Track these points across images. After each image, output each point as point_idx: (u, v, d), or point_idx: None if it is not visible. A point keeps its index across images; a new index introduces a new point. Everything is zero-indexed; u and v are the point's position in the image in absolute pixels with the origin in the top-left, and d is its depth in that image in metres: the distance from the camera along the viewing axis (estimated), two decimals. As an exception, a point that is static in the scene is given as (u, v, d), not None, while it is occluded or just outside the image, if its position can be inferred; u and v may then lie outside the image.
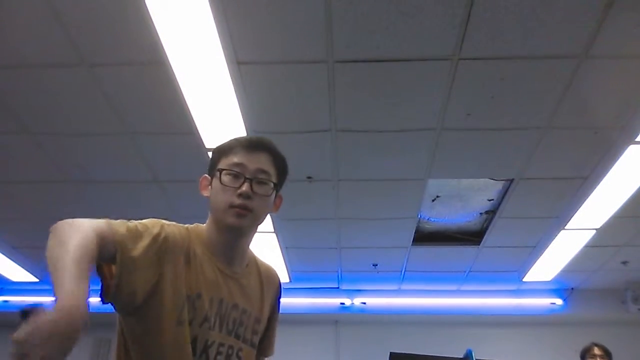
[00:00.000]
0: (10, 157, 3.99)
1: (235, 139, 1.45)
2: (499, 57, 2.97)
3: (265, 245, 5.25)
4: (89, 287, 1.05)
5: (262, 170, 1.40)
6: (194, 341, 1.29)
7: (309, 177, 4.16)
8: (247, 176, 1.37)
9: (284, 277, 6.04)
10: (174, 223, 1.39)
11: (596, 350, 3.92)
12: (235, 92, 3.18)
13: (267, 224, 4.78)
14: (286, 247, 5.42)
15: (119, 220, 1.28)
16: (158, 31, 2.74)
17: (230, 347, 1.36)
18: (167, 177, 4.20)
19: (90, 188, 4.38)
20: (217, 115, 3.40)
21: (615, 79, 3.13)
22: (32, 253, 5.77)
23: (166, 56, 2.91)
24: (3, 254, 5.60)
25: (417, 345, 4.94)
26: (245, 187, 1.35)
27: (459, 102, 3.30)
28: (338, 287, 6.54)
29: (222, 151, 1.44)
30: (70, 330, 1.01)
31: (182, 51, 2.88)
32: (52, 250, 1.13)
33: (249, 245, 1.47)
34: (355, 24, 2.77)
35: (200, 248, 1.38)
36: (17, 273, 6.10)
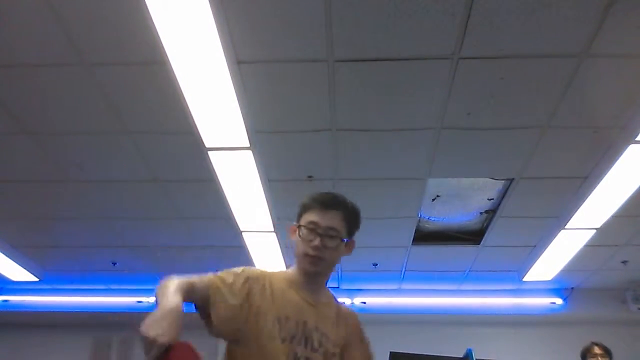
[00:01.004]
0: (9, 156, 3.99)
1: (314, 199, 1.79)
2: (499, 56, 2.97)
3: (265, 245, 5.25)
4: (182, 303, 1.42)
5: (332, 228, 1.73)
6: (293, 355, 1.61)
7: (309, 176, 4.16)
8: (319, 232, 1.71)
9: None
10: (250, 268, 1.73)
11: (596, 350, 3.92)
12: (235, 91, 3.18)
13: (267, 223, 4.79)
14: (286, 247, 5.41)
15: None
16: (158, 30, 2.74)
17: None
18: (167, 176, 4.20)
19: (89, 188, 4.38)
20: (217, 114, 3.39)
21: (615, 78, 3.13)
22: (32, 252, 5.78)
23: (166, 55, 2.91)
24: (3, 253, 5.60)
25: (417, 344, 4.94)
26: (316, 242, 1.70)
27: (459, 101, 3.30)
28: (338, 287, 6.53)
29: (305, 207, 1.79)
30: (165, 316, 1.38)
31: (182, 50, 2.88)
32: (156, 294, 1.48)
33: (326, 281, 1.83)
34: (355, 23, 2.78)
35: (286, 283, 1.74)
36: (17, 273, 6.10)
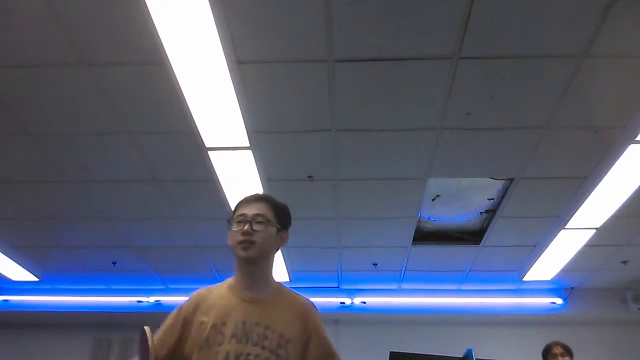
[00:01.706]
0: (10, 156, 3.99)
1: (243, 197, 1.91)
2: (499, 56, 2.97)
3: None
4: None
5: (259, 214, 1.82)
6: (227, 355, 1.68)
7: (310, 177, 4.16)
8: (247, 220, 1.80)
9: (284, 276, 6.04)
10: (197, 292, 1.88)
11: (557, 349, 3.89)
12: (236, 91, 3.18)
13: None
14: (286, 246, 5.41)
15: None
16: (158, 30, 2.74)
17: (257, 355, 1.70)
18: (167, 176, 4.20)
19: (90, 188, 4.39)
20: (217, 114, 3.39)
21: (615, 78, 3.13)
22: (32, 252, 5.78)
23: (166, 56, 2.91)
24: (3, 253, 5.60)
25: (417, 344, 4.93)
26: (245, 227, 1.78)
27: (459, 101, 3.30)
28: (338, 287, 6.54)
29: (234, 209, 1.89)
30: None
31: (182, 50, 2.88)
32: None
33: (266, 273, 1.86)
34: (355, 23, 2.78)
35: (227, 289, 1.83)
36: (18, 272, 6.10)
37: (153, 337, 1.72)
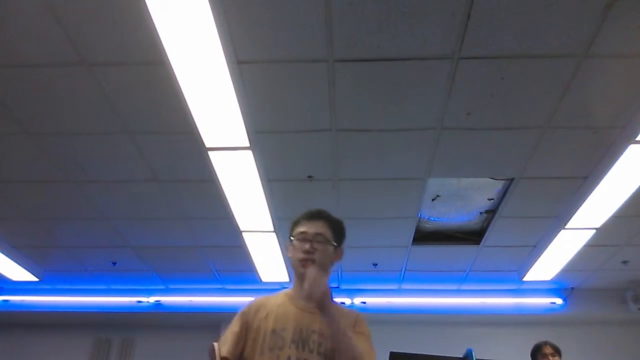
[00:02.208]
0: (10, 156, 3.99)
1: (302, 214, 2.04)
2: (498, 56, 2.97)
3: (265, 245, 5.25)
4: None
5: (319, 234, 1.96)
6: (288, 358, 1.80)
7: (310, 176, 4.16)
8: (308, 238, 1.95)
9: (283, 276, 6.04)
10: (256, 299, 2.01)
11: (547, 349, 3.90)
12: (236, 91, 3.18)
13: (267, 223, 4.79)
14: (286, 247, 5.41)
15: None
16: (158, 30, 2.74)
17: None
18: (167, 176, 4.20)
19: (90, 188, 4.39)
20: (218, 114, 3.39)
21: (615, 78, 3.13)
22: (32, 252, 5.78)
23: (166, 56, 2.91)
24: (3, 253, 5.60)
25: (417, 344, 4.94)
26: (307, 246, 1.93)
27: (459, 101, 3.30)
28: (338, 287, 6.54)
29: (294, 224, 2.04)
30: None
31: (182, 50, 2.88)
32: None
33: None
34: (355, 23, 2.78)
35: (285, 299, 1.96)
36: (18, 273, 6.10)
37: (220, 347, 1.86)
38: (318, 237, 1.96)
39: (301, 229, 1.99)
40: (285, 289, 2.05)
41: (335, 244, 1.99)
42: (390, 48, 2.93)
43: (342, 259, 2.07)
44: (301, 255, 1.93)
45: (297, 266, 1.94)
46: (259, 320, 1.91)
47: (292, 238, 2.01)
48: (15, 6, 2.71)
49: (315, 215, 2.03)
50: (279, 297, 1.99)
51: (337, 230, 2.03)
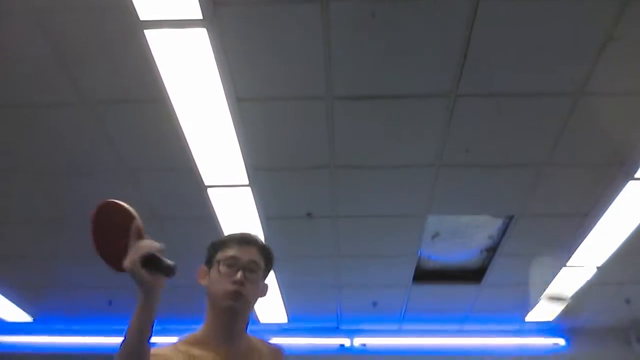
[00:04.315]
0: (7, 195, 3.97)
1: (229, 235, 1.70)
2: (495, 94, 3.00)
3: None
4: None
5: (254, 261, 1.64)
6: None
7: (309, 214, 4.14)
8: (241, 265, 1.60)
9: (281, 316, 5.95)
10: (161, 349, 1.53)
11: None
12: (235, 128, 3.20)
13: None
14: (284, 286, 5.34)
15: None
16: (159, 68, 2.77)
17: None
18: (165, 213, 4.18)
19: (86, 226, 4.34)
20: (217, 151, 3.40)
21: (612, 115, 3.15)
22: (26, 292, 5.70)
23: (167, 93, 2.93)
24: (-2, 292, 5.54)
25: (419, 386, 4.83)
26: (239, 276, 1.58)
27: (457, 138, 3.31)
28: (337, 327, 6.43)
29: (219, 245, 1.67)
30: None
31: (182, 88, 2.90)
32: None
33: (245, 325, 1.67)
34: (353, 61, 2.81)
35: (196, 345, 1.57)
36: (11, 312, 6.01)
37: None
38: (252, 265, 1.63)
39: (230, 252, 1.62)
40: (188, 334, 1.63)
41: (265, 274, 1.70)
42: (389, 86, 2.96)
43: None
44: (229, 287, 1.56)
45: (223, 298, 1.57)
46: None
47: (215, 262, 1.63)
48: (16, 46, 2.74)
49: (250, 240, 1.67)
50: (188, 346, 1.57)
51: (269, 259, 1.71)
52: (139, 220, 1.35)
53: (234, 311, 1.59)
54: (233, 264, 1.61)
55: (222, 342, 1.59)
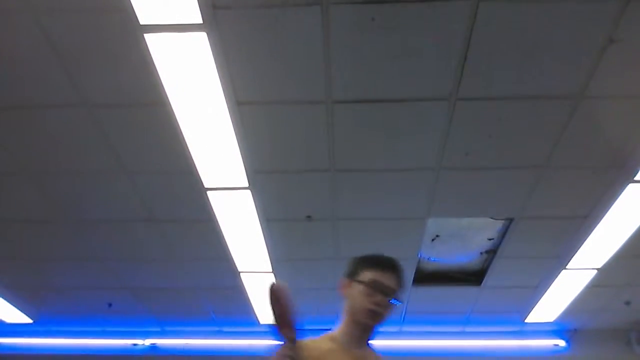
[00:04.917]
0: (6, 196, 3.97)
1: (375, 257, 1.93)
2: (495, 97, 3.00)
3: (262, 286, 5.18)
4: None
5: (393, 290, 1.86)
6: None
7: (308, 216, 4.14)
8: (383, 291, 1.83)
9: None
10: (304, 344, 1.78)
11: None
12: (235, 131, 3.20)
13: (264, 263, 4.74)
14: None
15: None
16: (159, 72, 2.77)
17: None
18: (165, 216, 4.18)
19: (87, 228, 4.36)
20: (217, 154, 3.40)
21: (612, 118, 3.15)
22: (26, 293, 5.70)
23: (167, 96, 2.93)
24: (-3, 294, 5.54)
25: (419, 389, 4.83)
26: (381, 299, 1.82)
27: (457, 141, 3.32)
28: (337, 329, 6.43)
29: (366, 264, 1.90)
30: None
31: (182, 91, 2.91)
32: None
33: (368, 339, 1.92)
34: (353, 65, 2.81)
35: (332, 344, 1.85)
36: (11, 314, 6.01)
37: None
38: (391, 291, 1.85)
39: (376, 276, 1.85)
40: (329, 333, 1.93)
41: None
42: (388, 89, 2.96)
43: None
44: (371, 307, 1.82)
45: (363, 315, 1.84)
46: None
47: (359, 279, 1.87)
48: (16, 48, 2.74)
49: (395, 268, 1.90)
50: (327, 342, 1.87)
51: (402, 286, 1.92)
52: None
53: (370, 327, 1.87)
54: (376, 287, 1.83)
55: (353, 346, 1.87)
